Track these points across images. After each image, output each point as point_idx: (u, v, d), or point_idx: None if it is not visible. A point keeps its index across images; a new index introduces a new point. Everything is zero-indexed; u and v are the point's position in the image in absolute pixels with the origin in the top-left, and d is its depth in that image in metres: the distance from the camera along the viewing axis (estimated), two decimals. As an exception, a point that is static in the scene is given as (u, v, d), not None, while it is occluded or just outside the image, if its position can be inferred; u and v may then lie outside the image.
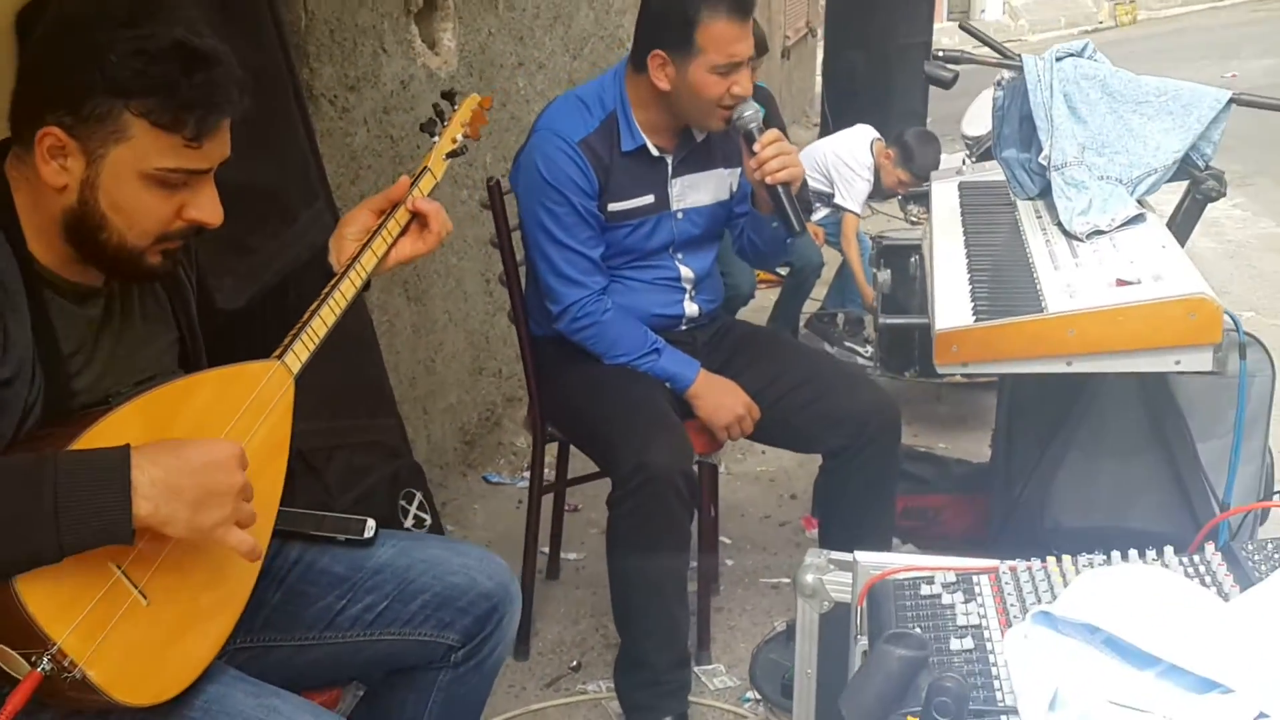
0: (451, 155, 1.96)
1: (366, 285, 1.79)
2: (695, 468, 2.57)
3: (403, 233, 1.80)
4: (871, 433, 2.64)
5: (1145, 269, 2.11)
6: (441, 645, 1.81)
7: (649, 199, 2.64)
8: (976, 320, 2.08)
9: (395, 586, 1.79)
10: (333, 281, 1.71)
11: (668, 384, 2.62)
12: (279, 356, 1.63)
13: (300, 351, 1.64)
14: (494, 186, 2.75)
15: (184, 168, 1.45)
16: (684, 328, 2.77)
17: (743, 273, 4.77)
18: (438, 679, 1.83)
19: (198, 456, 1.38)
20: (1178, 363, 1.97)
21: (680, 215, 2.69)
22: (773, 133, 2.48)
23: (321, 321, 1.68)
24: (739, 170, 2.73)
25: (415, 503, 2.87)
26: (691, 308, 2.77)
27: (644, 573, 2.48)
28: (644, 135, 2.61)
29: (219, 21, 2.58)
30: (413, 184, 1.85)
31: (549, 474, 3.08)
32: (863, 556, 1.79)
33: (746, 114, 2.50)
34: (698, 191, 2.71)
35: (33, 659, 1.29)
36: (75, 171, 1.43)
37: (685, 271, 2.73)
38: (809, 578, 1.90)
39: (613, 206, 2.61)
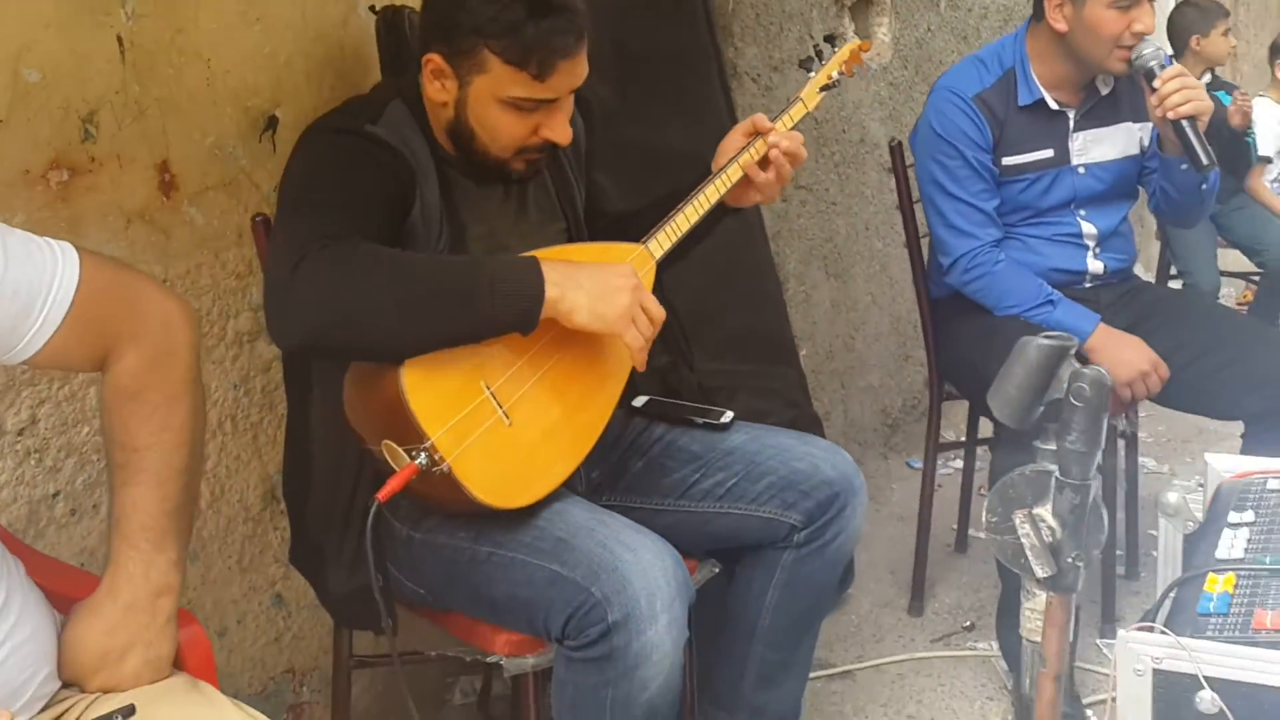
0: (825, 89, 2.13)
1: (724, 211, 1.97)
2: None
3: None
4: (1299, 396, 2.46)
5: None
6: (785, 524, 1.95)
7: (1047, 153, 2.64)
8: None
9: (744, 466, 1.96)
10: (699, 186, 1.92)
11: (1063, 337, 2.59)
12: (644, 241, 1.85)
13: (663, 240, 1.86)
14: (895, 148, 2.86)
15: (533, 97, 1.72)
16: (1088, 285, 2.73)
17: (1205, 269, 4.50)
18: (781, 558, 1.97)
19: (595, 266, 1.65)
20: None
21: (1082, 170, 2.66)
22: (1176, 68, 2.42)
23: (685, 218, 1.89)
24: (1150, 124, 2.65)
25: (813, 450, 3.00)
26: (1095, 264, 2.72)
27: (1022, 517, 2.46)
28: (1042, 89, 2.62)
29: (650, 2, 2.92)
30: (781, 112, 2.02)
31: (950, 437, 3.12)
32: (1215, 459, 1.73)
33: (1146, 52, 2.45)
34: (1102, 145, 2.66)
35: (412, 453, 1.58)
36: (451, 91, 1.75)
37: (1088, 228, 2.69)
38: (1172, 496, 1.84)
39: (1007, 160, 2.63)
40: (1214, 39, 4.54)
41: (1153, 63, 2.44)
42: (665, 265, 1.92)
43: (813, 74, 2.12)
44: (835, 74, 2.13)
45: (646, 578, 1.59)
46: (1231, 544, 1.40)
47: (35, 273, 1.28)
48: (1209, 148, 2.38)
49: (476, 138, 1.76)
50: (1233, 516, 1.47)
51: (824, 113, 3.50)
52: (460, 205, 1.80)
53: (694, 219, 1.89)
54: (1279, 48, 4.92)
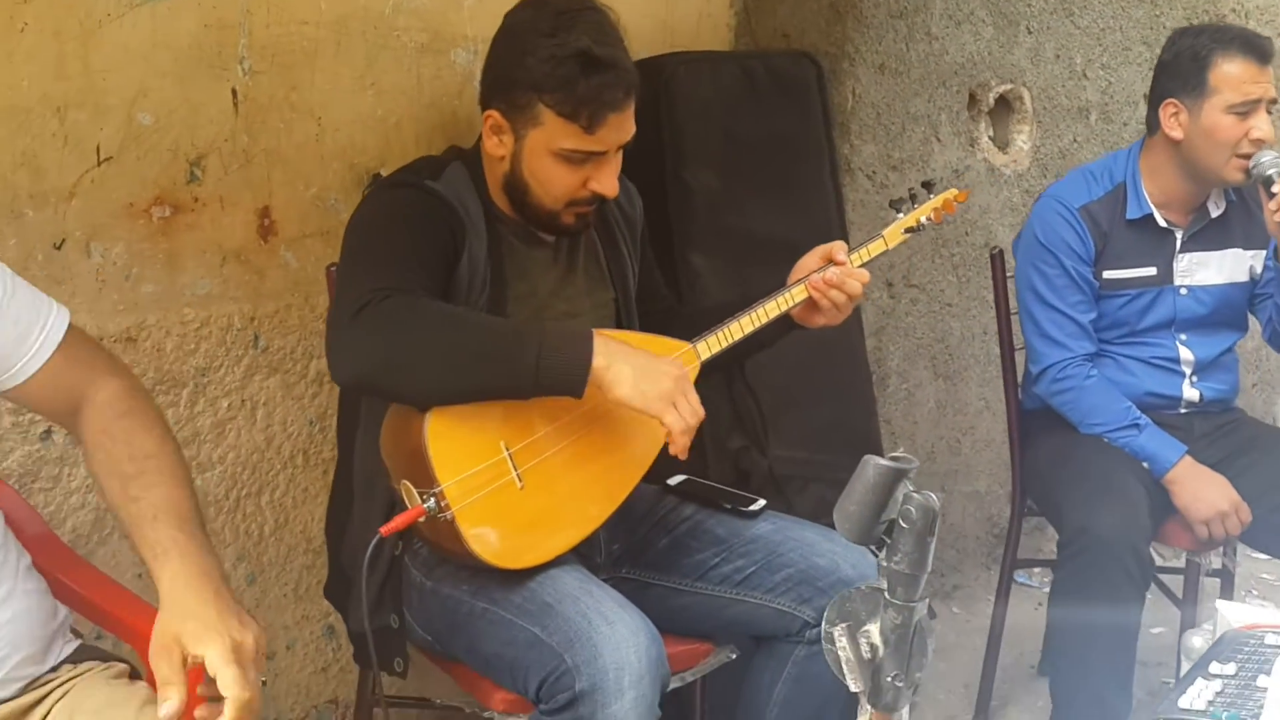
0: (910, 231, 2.11)
1: (789, 325, 1.99)
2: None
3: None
4: (1387, 555, 2.33)
5: None
6: (798, 619, 1.94)
7: (1150, 271, 2.59)
8: None
9: (764, 556, 1.97)
10: (761, 300, 1.95)
11: (1145, 465, 2.51)
12: (694, 341, 1.89)
13: (713, 344, 1.89)
14: (996, 255, 2.83)
15: (582, 149, 1.81)
16: (1182, 411, 2.64)
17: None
18: (793, 653, 1.97)
19: (646, 352, 1.73)
20: None
21: (1184, 291, 2.59)
22: None
23: (739, 326, 1.92)
24: (1264, 252, 2.58)
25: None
26: (1191, 392, 2.63)
27: (1079, 644, 2.38)
28: (1151, 205, 2.57)
29: (772, 92, 2.98)
30: (860, 245, 2.03)
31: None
32: (1227, 608, 1.67)
33: (1265, 159, 2.40)
34: (1208, 269, 2.59)
35: (423, 496, 1.67)
36: (508, 145, 1.84)
37: (1185, 354, 2.62)
38: (1196, 640, 1.78)
39: (1108, 274, 2.59)
40: None
41: (1272, 170, 2.38)
42: (716, 367, 1.94)
43: (901, 214, 2.10)
44: (924, 219, 2.11)
45: (619, 652, 1.62)
46: (1199, 695, 1.35)
47: (34, 310, 1.47)
48: None
49: (530, 190, 1.86)
50: (1214, 667, 1.42)
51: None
52: (506, 263, 1.89)
53: (748, 329, 1.92)
54: None
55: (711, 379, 2.53)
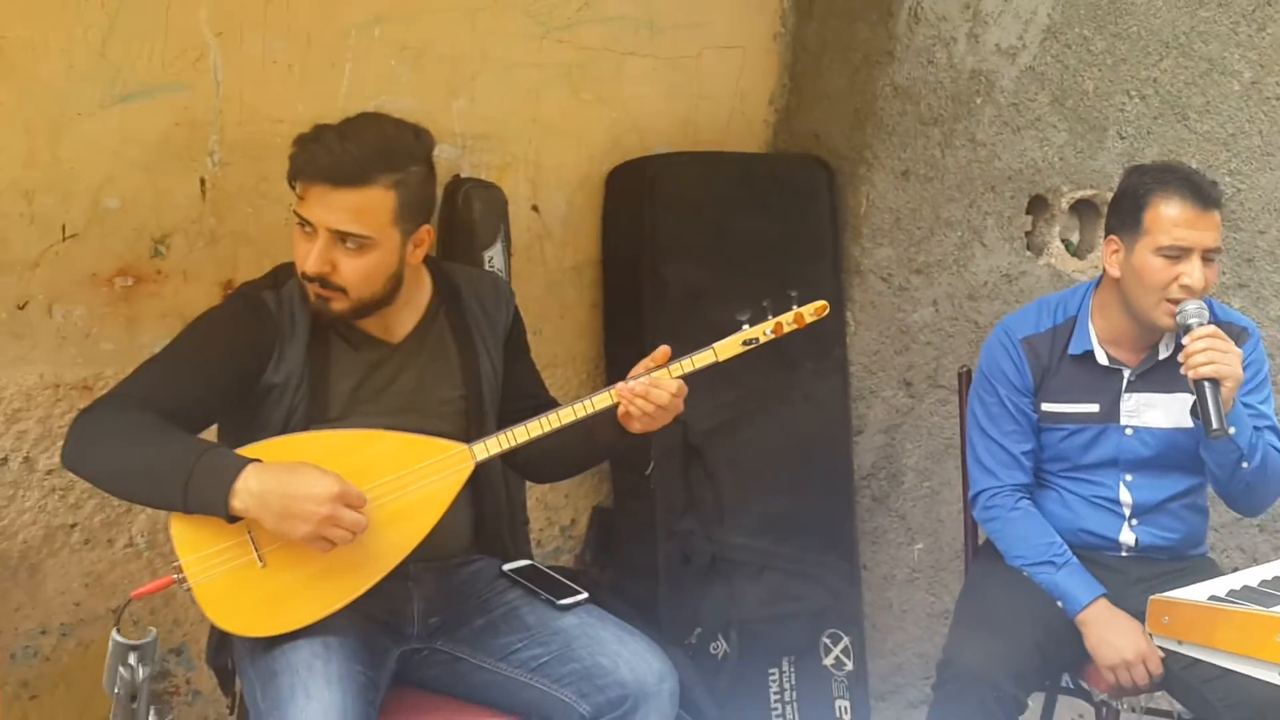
0: (748, 344, 2.11)
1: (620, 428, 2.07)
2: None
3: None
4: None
5: None
6: (575, 711, 2.05)
7: (1093, 407, 2.50)
8: (1210, 598, 1.73)
9: (560, 647, 2.09)
10: (563, 406, 2.05)
11: (1059, 604, 2.42)
12: (472, 443, 2.01)
13: (492, 445, 2.01)
14: (962, 374, 2.79)
15: (298, 212, 1.95)
16: (1122, 555, 2.53)
17: None
18: (572, 742, 2.07)
19: (294, 485, 1.83)
20: None
21: (1130, 431, 2.48)
22: (1209, 329, 2.28)
23: (525, 430, 2.02)
24: (1220, 398, 2.44)
25: (840, 645, 2.97)
26: (1128, 535, 2.51)
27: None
28: (1095, 342, 2.49)
29: (775, 193, 3.07)
30: (685, 356, 2.07)
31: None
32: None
33: (1189, 308, 2.32)
34: (1155, 410, 2.48)
35: (173, 567, 1.90)
36: None
37: (1125, 495, 2.50)
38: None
39: (1047, 406, 2.53)
40: None
41: (1193, 320, 2.31)
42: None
43: (745, 326, 2.10)
44: (769, 331, 2.11)
45: None
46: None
47: None
48: (1220, 413, 2.20)
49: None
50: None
51: (985, 314, 3.40)
52: (331, 364, 2.05)
53: (535, 433, 2.01)
54: None
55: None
